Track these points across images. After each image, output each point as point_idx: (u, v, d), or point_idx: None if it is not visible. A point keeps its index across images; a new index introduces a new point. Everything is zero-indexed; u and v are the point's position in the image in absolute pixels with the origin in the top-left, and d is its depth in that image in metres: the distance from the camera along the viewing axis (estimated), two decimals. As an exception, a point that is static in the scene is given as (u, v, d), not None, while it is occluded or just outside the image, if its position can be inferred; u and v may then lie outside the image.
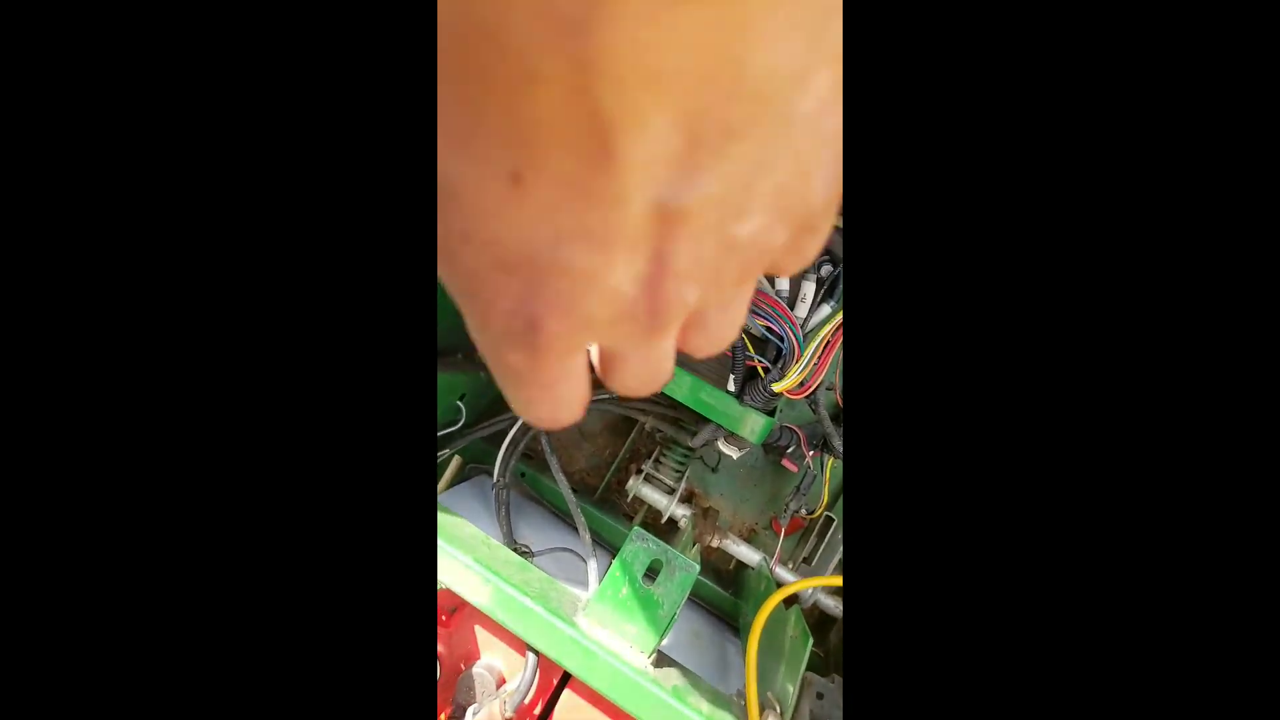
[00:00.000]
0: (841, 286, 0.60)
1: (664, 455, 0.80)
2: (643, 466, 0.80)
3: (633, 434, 0.86)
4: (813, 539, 0.80)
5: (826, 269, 0.60)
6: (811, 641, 0.45)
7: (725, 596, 0.80)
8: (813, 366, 0.59)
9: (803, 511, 0.82)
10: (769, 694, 0.45)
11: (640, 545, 0.47)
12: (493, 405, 0.83)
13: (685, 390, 0.60)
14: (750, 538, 0.86)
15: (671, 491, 0.78)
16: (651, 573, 0.47)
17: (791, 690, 0.43)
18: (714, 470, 0.87)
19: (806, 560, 0.80)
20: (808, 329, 0.60)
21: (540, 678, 0.47)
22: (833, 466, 0.82)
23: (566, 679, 0.48)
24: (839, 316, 0.60)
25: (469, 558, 0.45)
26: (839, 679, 0.44)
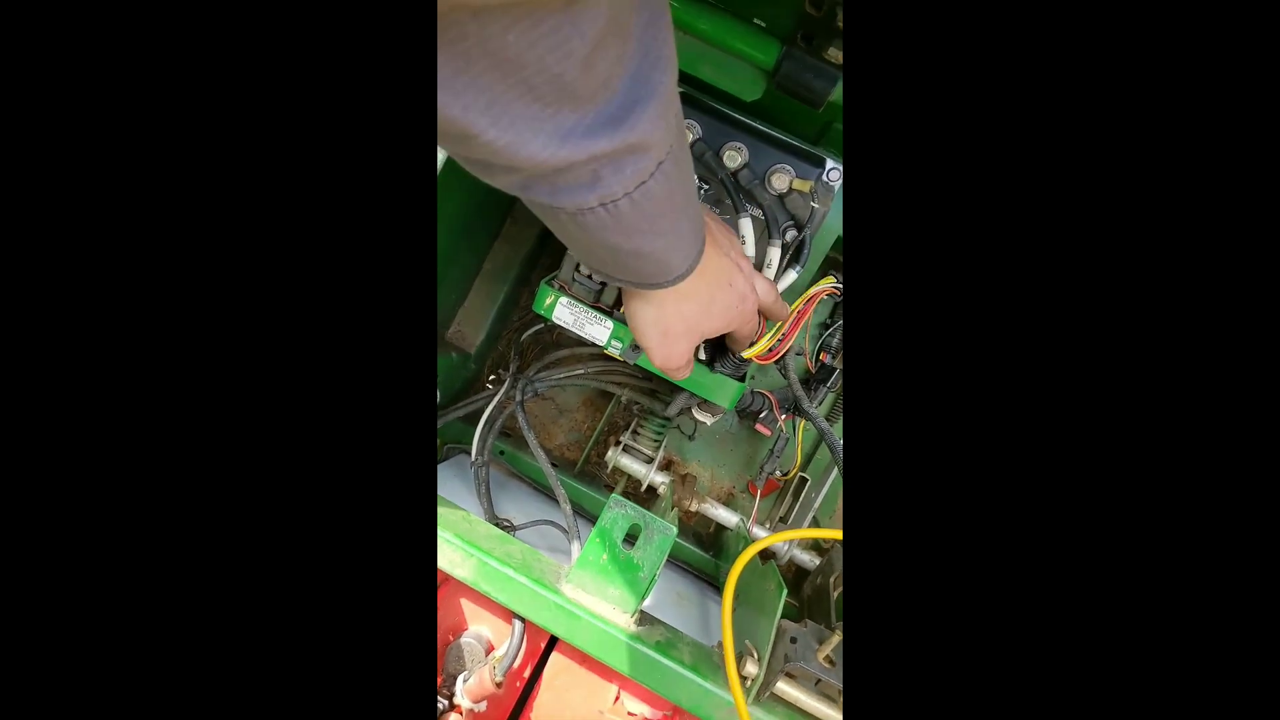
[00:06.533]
0: (808, 251, 0.61)
1: (641, 426, 0.82)
2: (621, 438, 0.81)
3: (610, 407, 0.88)
4: (788, 499, 0.83)
5: (791, 234, 0.61)
6: (786, 593, 0.47)
7: (706, 559, 0.82)
8: (781, 333, 0.60)
9: (777, 473, 0.84)
10: (746, 643, 0.47)
11: (619, 511, 0.48)
12: (466, 386, 0.83)
13: (659, 361, 0.61)
14: (728, 501, 0.88)
15: (650, 460, 0.80)
16: (631, 537, 0.49)
17: (768, 638, 0.45)
18: (691, 438, 0.89)
19: (783, 519, 0.82)
20: (774, 295, 0.61)
21: (528, 643, 0.48)
22: (804, 429, 0.85)
23: (554, 642, 0.50)
24: (811, 290, 0.61)
25: (449, 533, 0.46)
26: (810, 623, 0.46)
